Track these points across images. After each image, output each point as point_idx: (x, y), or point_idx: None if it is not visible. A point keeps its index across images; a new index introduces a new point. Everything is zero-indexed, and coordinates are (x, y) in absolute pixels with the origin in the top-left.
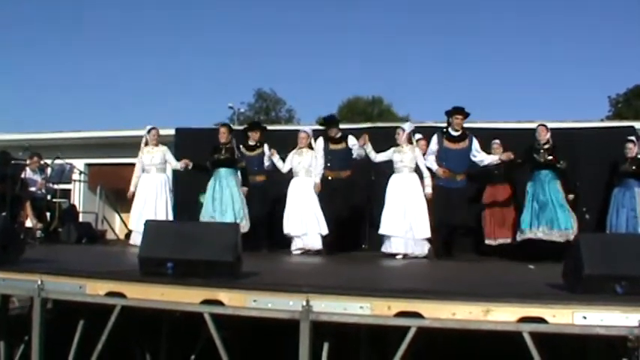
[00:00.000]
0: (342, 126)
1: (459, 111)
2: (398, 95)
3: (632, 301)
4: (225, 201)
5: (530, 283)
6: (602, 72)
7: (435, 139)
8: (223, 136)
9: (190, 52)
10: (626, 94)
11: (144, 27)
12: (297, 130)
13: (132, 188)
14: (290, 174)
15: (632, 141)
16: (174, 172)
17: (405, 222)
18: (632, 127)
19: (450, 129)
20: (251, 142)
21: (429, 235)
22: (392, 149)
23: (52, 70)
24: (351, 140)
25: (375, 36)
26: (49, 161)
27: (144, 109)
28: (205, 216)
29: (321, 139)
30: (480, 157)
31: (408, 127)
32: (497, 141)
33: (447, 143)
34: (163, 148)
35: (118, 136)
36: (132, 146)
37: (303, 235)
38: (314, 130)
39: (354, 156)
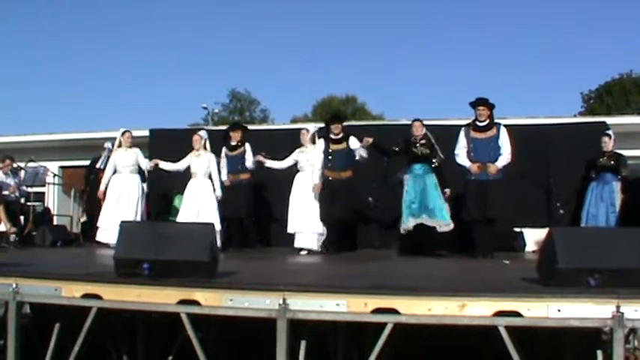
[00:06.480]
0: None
1: (480, 102)
2: (373, 93)
3: (605, 293)
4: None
5: (505, 277)
6: (574, 68)
7: (461, 133)
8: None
9: (164, 51)
10: (598, 90)
11: (116, 26)
12: (273, 130)
13: (102, 187)
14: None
15: (608, 135)
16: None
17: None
18: (604, 122)
19: (475, 121)
20: (233, 142)
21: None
22: (297, 150)
23: (25, 70)
24: (353, 142)
25: (349, 34)
26: (22, 164)
27: (117, 110)
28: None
29: (321, 140)
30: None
31: (312, 128)
32: None
33: (473, 133)
34: (136, 150)
35: (91, 138)
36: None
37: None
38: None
39: (357, 158)
